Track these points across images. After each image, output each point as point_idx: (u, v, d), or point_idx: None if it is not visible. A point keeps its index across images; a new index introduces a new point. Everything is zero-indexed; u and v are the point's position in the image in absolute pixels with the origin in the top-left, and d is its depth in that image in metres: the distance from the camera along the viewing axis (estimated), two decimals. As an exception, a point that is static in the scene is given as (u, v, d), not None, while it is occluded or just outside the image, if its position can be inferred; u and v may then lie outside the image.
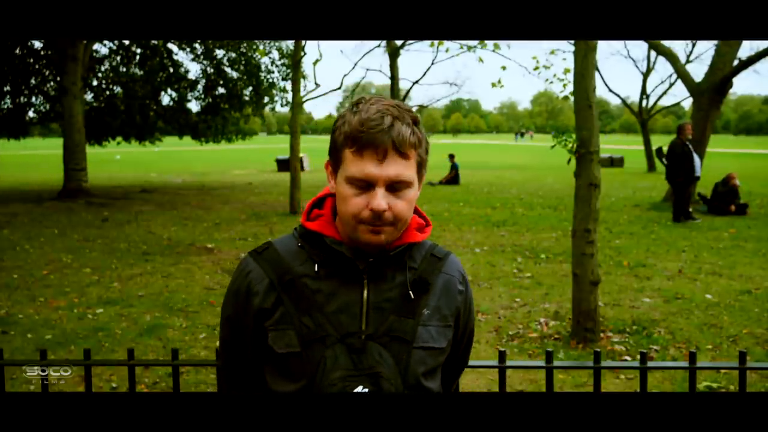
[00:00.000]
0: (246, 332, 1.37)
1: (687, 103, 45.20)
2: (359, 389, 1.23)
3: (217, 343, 1.53)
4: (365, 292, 1.32)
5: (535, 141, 76.61)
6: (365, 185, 1.26)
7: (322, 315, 1.30)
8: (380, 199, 1.25)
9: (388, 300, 1.33)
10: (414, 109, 1.30)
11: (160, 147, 28.66)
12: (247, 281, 1.36)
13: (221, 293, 6.75)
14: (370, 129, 1.23)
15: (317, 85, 14.27)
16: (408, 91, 21.98)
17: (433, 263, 1.41)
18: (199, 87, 21.78)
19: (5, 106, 19.77)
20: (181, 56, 32.00)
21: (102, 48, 20.40)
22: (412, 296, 1.34)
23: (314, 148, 43.93)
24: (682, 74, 15.59)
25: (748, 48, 40.57)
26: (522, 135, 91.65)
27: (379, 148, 1.24)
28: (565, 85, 8.11)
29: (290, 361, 1.30)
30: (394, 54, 19.64)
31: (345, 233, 1.34)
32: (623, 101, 29.97)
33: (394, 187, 1.26)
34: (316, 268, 1.33)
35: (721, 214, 12.58)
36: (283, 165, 25.69)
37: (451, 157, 21.20)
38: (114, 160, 36.23)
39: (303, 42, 13.18)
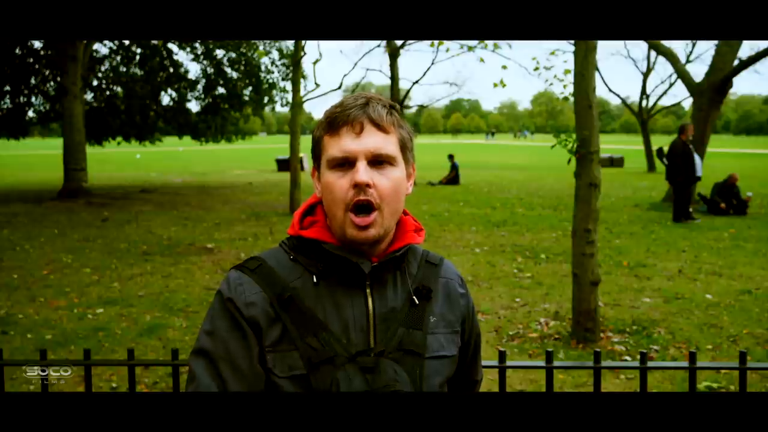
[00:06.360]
0: (247, 335, 1.19)
1: (687, 103, 45.19)
2: None
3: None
4: (370, 303, 1.24)
5: (526, 141, 77.70)
6: (346, 163, 1.21)
7: (327, 333, 1.20)
8: (362, 172, 1.18)
9: (393, 310, 1.26)
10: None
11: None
12: (240, 291, 1.22)
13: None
14: (345, 109, 1.22)
15: (317, 85, 14.25)
16: (408, 91, 21.97)
17: (429, 269, 1.35)
18: (199, 87, 21.81)
19: (5, 106, 19.78)
20: (181, 56, 32.11)
21: (102, 48, 20.46)
22: (417, 303, 1.28)
23: (314, 148, 43.83)
24: (682, 74, 15.60)
25: (748, 48, 40.61)
26: (493, 134, 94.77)
27: (354, 122, 1.21)
28: (565, 86, 8.13)
29: (294, 385, 1.18)
30: (394, 54, 19.65)
31: (339, 236, 1.24)
32: (623, 101, 29.97)
33: (376, 161, 1.21)
34: (314, 280, 1.23)
35: (720, 213, 12.59)
36: (283, 165, 25.71)
37: (451, 157, 21.20)
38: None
39: (303, 42, 13.18)
